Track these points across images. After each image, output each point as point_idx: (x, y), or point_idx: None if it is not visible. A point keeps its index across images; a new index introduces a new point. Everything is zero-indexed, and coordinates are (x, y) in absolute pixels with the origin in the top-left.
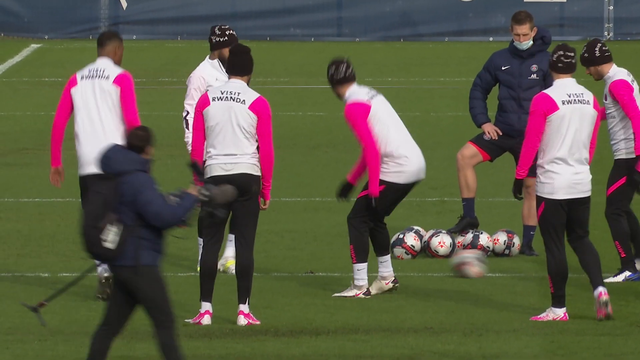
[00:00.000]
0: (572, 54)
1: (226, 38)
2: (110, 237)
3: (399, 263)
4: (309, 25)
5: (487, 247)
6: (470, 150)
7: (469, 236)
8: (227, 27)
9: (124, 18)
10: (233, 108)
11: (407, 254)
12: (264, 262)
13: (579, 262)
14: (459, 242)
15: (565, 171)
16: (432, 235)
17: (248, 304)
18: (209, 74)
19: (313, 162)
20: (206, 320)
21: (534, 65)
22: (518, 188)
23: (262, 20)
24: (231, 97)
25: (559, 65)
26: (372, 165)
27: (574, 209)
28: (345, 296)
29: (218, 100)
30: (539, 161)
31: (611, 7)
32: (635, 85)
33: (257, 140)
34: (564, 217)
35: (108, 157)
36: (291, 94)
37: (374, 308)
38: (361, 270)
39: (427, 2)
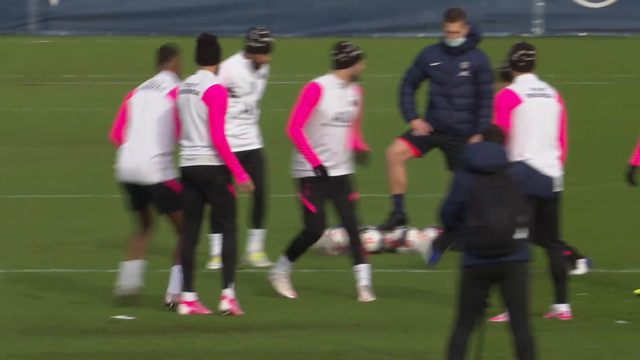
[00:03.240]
0: (533, 52)
1: (264, 44)
2: (523, 227)
3: (327, 259)
4: (240, 22)
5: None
6: (400, 147)
7: (398, 233)
8: (266, 32)
9: (53, 14)
10: (191, 100)
11: (336, 251)
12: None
13: (549, 267)
14: (387, 239)
15: (537, 165)
16: (361, 231)
17: (233, 289)
18: (237, 73)
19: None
20: (183, 309)
21: (465, 62)
22: None
23: (194, 16)
24: (190, 89)
25: (521, 63)
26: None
27: (544, 204)
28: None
29: (182, 93)
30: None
31: (540, 4)
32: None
33: None
34: (532, 214)
35: (493, 154)
36: None
37: (304, 304)
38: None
39: None
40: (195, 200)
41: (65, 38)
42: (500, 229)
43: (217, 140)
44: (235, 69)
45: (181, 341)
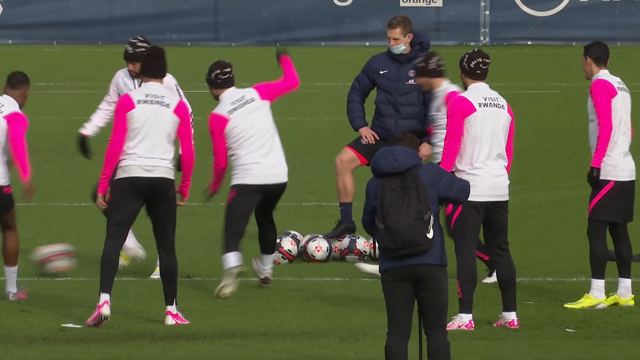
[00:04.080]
0: (489, 60)
1: (131, 53)
2: (430, 227)
3: (275, 267)
4: (186, 30)
5: (364, 251)
6: (348, 155)
7: (346, 241)
8: (141, 41)
9: None
10: (159, 112)
11: (284, 259)
12: (141, 266)
13: (497, 275)
14: (335, 247)
15: (486, 174)
16: (309, 240)
17: (175, 304)
18: (122, 82)
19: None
20: (105, 310)
21: (412, 71)
22: None
23: (138, 24)
24: (156, 101)
25: (477, 72)
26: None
27: (492, 213)
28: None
29: (143, 103)
30: (458, 165)
31: (487, 12)
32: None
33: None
34: (479, 221)
35: (395, 157)
36: None
37: (251, 313)
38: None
39: (303, 7)
40: (137, 211)
41: (11, 46)
42: (403, 230)
43: (191, 154)
44: (121, 79)
45: (129, 349)
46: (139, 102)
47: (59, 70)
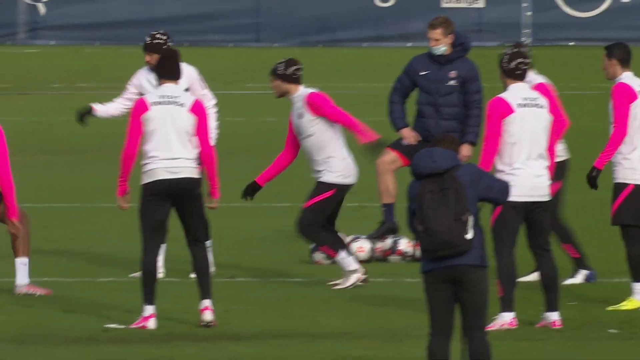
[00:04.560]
0: (530, 61)
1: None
2: (469, 228)
3: (318, 268)
4: (227, 31)
5: (407, 252)
6: (389, 156)
7: (389, 241)
8: (160, 34)
9: (41, 23)
10: (174, 112)
11: (327, 259)
12: (183, 266)
13: (540, 276)
14: (378, 248)
15: (525, 174)
16: (352, 241)
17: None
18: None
19: (230, 168)
20: (151, 324)
21: (453, 72)
22: None
23: (180, 25)
24: (171, 101)
25: (517, 72)
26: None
27: (533, 213)
28: (345, 287)
29: (157, 104)
30: (498, 166)
31: (529, 13)
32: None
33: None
34: (518, 221)
35: (433, 159)
36: None
37: (293, 314)
38: (344, 258)
39: (345, 8)
40: (167, 214)
41: (53, 47)
42: (442, 231)
43: (210, 152)
44: (144, 78)
45: (171, 350)
46: (153, 104)
47: (100, 71)
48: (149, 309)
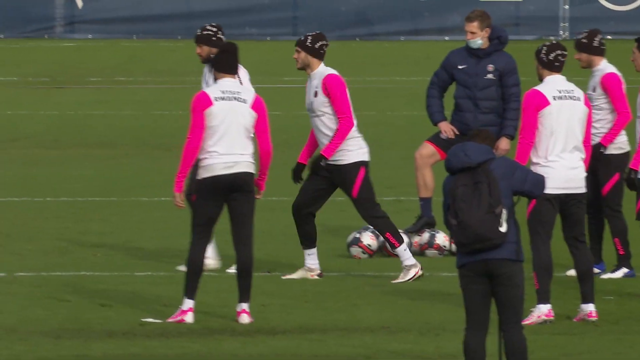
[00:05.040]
0: (567, 53)
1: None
2: (503, 221)
3: (355, 262)
4: (265, 25)
5: (444, 246)
6: (428, 150)
7: (426, 235)
8: (211, 26)
9: (79, 17)
10: (237, 108)
11: (364, 253)
12: (222, 260)
13: (574, 267)
14: (415, 242)
15: (560, 167)
16: None
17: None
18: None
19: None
20: (189, 317)
21: (490, 65)
22: None
23: (217, 19)
24: (233, 97)
25: (556, 64)
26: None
27: (568, 205)
28: (405, 280)
29: (221, 100)
30: (533, 158)
31: (566, 7)
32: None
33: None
34: (554, 213)
35: (466, 153)
36: None
37: (330, 308)
38: (406, 250)
39: (382, 1)
40: (220, 210)
41: (91, 41)
42: (474, 224)
43: (268, 148)
44: (207, 72)
45: (209, 344)
46: (216, 99)
47: (138, 64)
48: (189, 303)
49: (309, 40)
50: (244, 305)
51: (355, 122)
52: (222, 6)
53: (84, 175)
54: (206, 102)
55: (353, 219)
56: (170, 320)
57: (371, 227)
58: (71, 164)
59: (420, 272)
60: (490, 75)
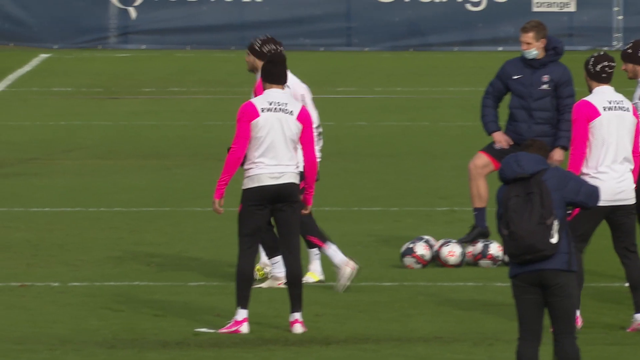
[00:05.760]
0: (615, 64)
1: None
2: (554, 232)
3: (409, 272)
4: (318, 35)
5: (497, 256)
6: (482, 160)
7: (479, 246)
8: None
9: (132, 28)
10: (283, 119)
11: (417, 263)
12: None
13: (626, 278)
14: (469, 252)
15: (609, 179)
16: (442, 245)
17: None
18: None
19: (322, 172)
20: (245, 328)
21: (546, 76)
22: None
23: (270, 29)
24: (280, 108)
25: (603, 75)
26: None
27: (617, 216)
28: (344, 283)
29: (267, 111)
30: (584, 169)
31: (620, 17)
32: None
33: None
34: (595, 224)
35: (519, 163)
36: None
37: (383, 317)
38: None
39: (436, 12)
40: (266, 220)
41: (144, 51)
42: (525, 235)
43: (313, 160)
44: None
45: (262, 354)
46: (262, 110)
47: (191, 75)
48: (242, 313)
49: (257, 45)
50: (297, 315)
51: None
52: (276, 17)
53: (137, 186)
54: (252, 112)
55: (406, 229)
56: (224, 330)
57: (425, 237)
58: (125, 174)
59: (356, 266)
60: (545, 86)
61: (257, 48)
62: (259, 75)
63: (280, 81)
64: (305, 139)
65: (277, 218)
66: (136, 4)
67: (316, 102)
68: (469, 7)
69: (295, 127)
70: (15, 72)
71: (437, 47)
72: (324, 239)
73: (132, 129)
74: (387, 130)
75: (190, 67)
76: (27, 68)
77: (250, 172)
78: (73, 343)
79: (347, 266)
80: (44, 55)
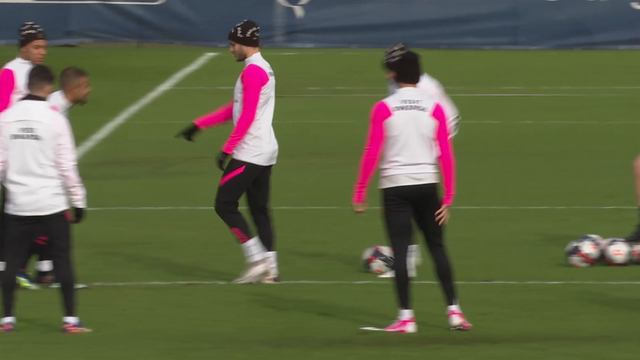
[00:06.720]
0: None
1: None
2: None
3: (575, 271)
4: (485, 34)
5: None
6: None
7: None
8: (395, 49)
9: (299, 26)
10: (417, 117)
11: (584, 262)
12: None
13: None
14: (635, 251)
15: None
16: (609, 244)
17: (458, 304)
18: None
19: (488, 171)
20: (410, 327)
21: None
22: None
23: (437, 28)
24: (413, 106)
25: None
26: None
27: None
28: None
29: (400, 109)
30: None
31: None
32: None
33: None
34: None
35: None
36: (466, 102)
37: (551, 316)
38: (252, 246)
39: (601, 11)
40: (411, 218)
41: (311, 50)
42: None
43: (450, 157)
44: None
45: (428, 352)
46: (395, 108)
47: (357, 74)
48: (406, 313)
49: (239, 31)
50: (453, 307)
51: (262, 121)
52: (442, 15)
53: (304, 184)
54: (385, 112)
55: (573, 228)
56: (389, 329)
57: (592, 236)
58: (292, 172)
59: (271, 275)
60: None
61: (239, 35)
62: (248, 62)
63: (414, 80)
64: (440, 135)
65: (417, 218)
66: (302, 2)
67: (482, 100)
68: (634, 5)
69: (429, 124)
70: (181, 70)
71: (602, 45)
72: (249, 233)
73: (299, 127)
74: (553, 128)
75: (356, 66)
76: (193, 67)
77: (387, 172)
78: (239, 341)
79: (262, 268)
80: (209, 54)
